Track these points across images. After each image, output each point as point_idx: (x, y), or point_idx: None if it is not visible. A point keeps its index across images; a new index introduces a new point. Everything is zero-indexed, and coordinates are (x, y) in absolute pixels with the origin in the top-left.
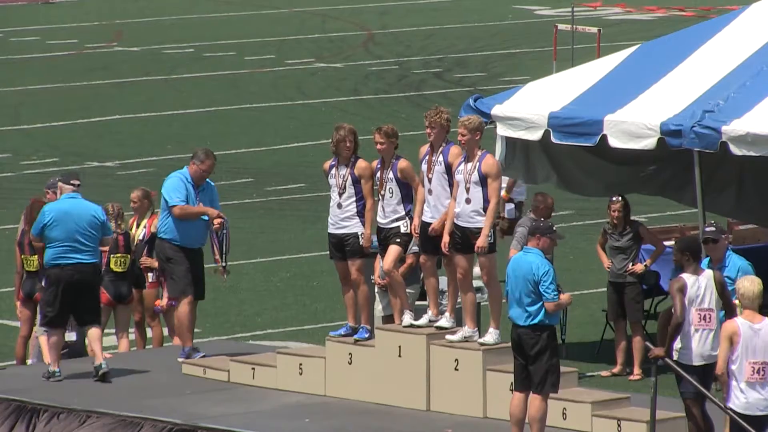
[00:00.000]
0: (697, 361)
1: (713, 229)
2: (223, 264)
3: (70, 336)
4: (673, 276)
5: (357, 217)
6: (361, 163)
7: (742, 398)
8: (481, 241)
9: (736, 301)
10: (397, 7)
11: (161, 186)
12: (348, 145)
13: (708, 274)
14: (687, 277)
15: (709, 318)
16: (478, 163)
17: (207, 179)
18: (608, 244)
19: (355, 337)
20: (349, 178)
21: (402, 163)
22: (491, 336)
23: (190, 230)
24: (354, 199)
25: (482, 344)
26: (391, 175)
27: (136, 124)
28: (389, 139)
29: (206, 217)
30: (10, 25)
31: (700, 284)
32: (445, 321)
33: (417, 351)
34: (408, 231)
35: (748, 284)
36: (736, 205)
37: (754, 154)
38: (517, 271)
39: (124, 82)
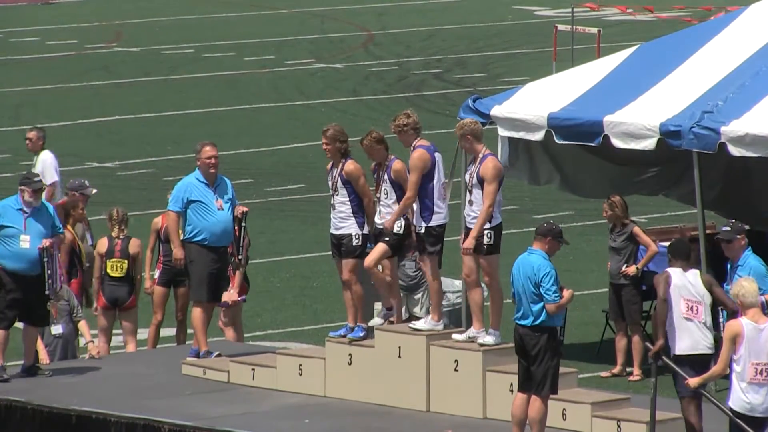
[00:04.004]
0: (681, 351)
1: (728, 229)
2: (239, 257)
3: (57, 329)
4: None
5: (351, 218)
6: (348, 166)
7: (744, 399)
8: (467, 243)
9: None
10: (396, 8)
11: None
12: (324, 148)
13: (695, 272)
14: (672, 270)
15: (697, 310)
16: (479, 166)
17: (220, 175)
18: (608, 244)
19: (349, 336)
20: (339, 179)
21: (396, 165)
22: (491, 337)
23: (215, 228)
24: (347, 199)
25: (482, 345)
26: (386, 176)
27: (136, 124)
28: (376, 145)
29: (230, 212)
30: (10, 25)
31: (687, 277)
32: (423, 323)
33: (417, 351)
34: (401, 232)
35: (746, 284)
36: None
37: (752, 154)
38: (520, 272)
39: (124, 82)
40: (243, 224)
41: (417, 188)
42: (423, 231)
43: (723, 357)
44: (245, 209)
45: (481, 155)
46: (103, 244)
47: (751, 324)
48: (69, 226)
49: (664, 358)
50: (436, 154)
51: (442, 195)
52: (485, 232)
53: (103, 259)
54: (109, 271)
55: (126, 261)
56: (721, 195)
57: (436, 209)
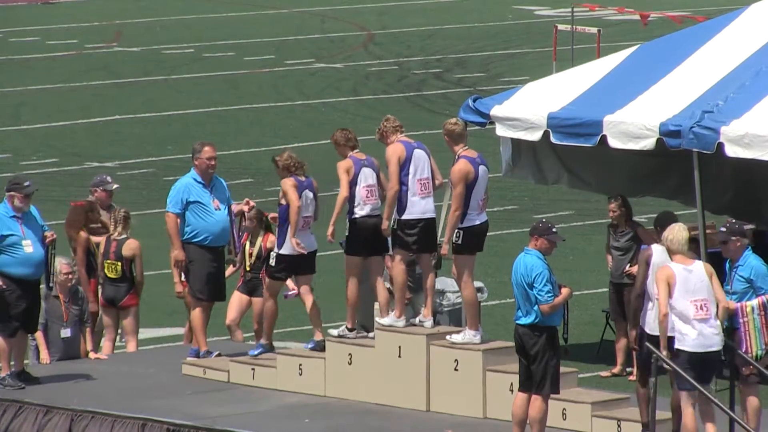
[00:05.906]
0: (653, 330)
1: (724, 230)
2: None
3: (66, 332)
4: None
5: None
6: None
7: (695, 335)
8: (443, 249)
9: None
10: (396, 8)
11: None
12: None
13: None
14: (655, 248)
15: None
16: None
17: (215, 175)
18: (610, 243)
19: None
20: None
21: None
22: (461, 336)
23: (214, 228)
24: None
25: (453, 343)
26: None
27: (136, 124)
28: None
29: (226, 211)
30: (10, 25)
31: (667, 255)
32: (395, 319)
33: (417, 351)
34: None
35: (676, 231)
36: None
37: (747, 156)
38: (516, 272)
39: (124, 82)
40: (234, 226)
41: (397, 178)
42: (395, 224)
43: (662, 300)
44: (252, 204)
45: (456, 157)
46: (102, 244)
47: (680, 266)
48: (84, 229)
49: (658, 353)
50: (416, 151)
51: (418, 191)
52: (455, 231)
53: (102, 259)
54: (105, 271)
55: (119, 263)
56: (733, 199)
57: (408, 204)
